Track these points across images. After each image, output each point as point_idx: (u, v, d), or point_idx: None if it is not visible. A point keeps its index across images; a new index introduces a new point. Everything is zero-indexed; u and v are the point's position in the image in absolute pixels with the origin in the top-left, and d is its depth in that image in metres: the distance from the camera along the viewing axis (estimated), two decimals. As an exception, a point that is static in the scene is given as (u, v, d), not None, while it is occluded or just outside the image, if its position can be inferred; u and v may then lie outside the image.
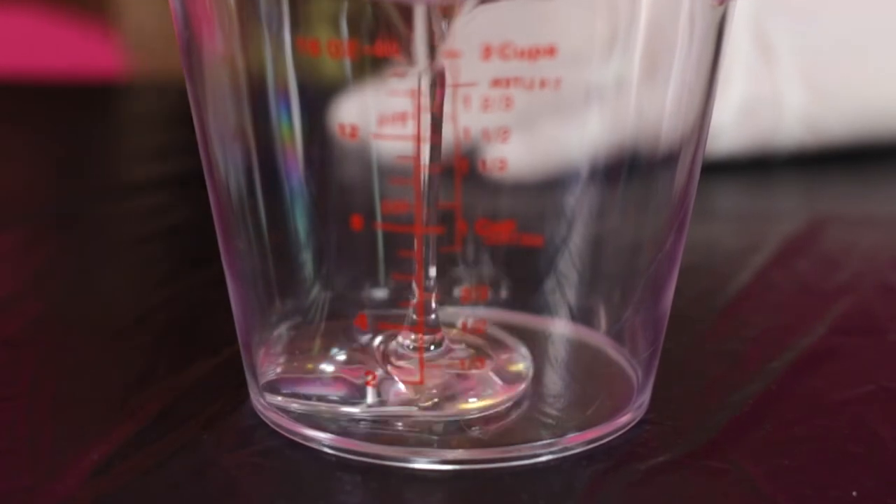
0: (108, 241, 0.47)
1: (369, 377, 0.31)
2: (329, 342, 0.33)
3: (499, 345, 0.33)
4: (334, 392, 0.32)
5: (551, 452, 0.31)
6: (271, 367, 0.33)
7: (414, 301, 0.32)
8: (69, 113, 0.66)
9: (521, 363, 0.32)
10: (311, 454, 0.31)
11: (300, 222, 0.33)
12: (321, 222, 0.33)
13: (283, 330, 0.33)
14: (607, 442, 0.31)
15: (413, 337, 0.32)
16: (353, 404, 0.31)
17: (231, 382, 0.34)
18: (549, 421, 0.31)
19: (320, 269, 0.33)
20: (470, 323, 0.33)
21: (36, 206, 0.50)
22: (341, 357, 0.32)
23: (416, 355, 0.31)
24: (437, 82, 0.30)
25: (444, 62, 0.29)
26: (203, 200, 0.32)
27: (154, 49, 0.77)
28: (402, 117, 0.30)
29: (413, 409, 0.31)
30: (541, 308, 0.33)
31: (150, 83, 0.74)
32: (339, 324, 0.33)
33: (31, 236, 0.47)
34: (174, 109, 0.66)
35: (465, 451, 0.30)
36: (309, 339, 0.33)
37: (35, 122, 0.63)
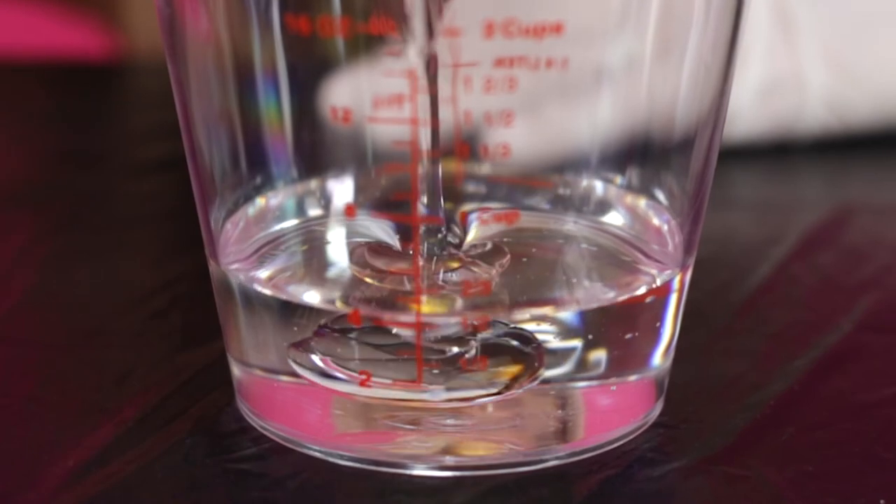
0: (86, 228, 0.47)
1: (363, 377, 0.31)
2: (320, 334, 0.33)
3: None
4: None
5: (557, 457, 0.30)
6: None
7: (411, 295, 0.31)
8: (60, 96, 0.65)
9: None
10: (301, 459, 0.31)
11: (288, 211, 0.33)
12: (311, 210, 0.33)
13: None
14: (618, 446, 0.31)
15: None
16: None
17: (217, 382, 0.34)
18: (555, 423, 0.31)
19: (311, 260, 0.33)
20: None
21: (7, 193, 0.50)
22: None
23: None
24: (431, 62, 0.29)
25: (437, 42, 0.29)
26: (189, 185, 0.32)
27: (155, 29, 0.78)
28: (398, 99, 0.29)
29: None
30: (546, 301, 0.33)
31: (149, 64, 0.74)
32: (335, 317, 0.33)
33: (3, 224, 0.47)
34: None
35: (465, 456, 0.30)
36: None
37: (24, 105, 0.63)
